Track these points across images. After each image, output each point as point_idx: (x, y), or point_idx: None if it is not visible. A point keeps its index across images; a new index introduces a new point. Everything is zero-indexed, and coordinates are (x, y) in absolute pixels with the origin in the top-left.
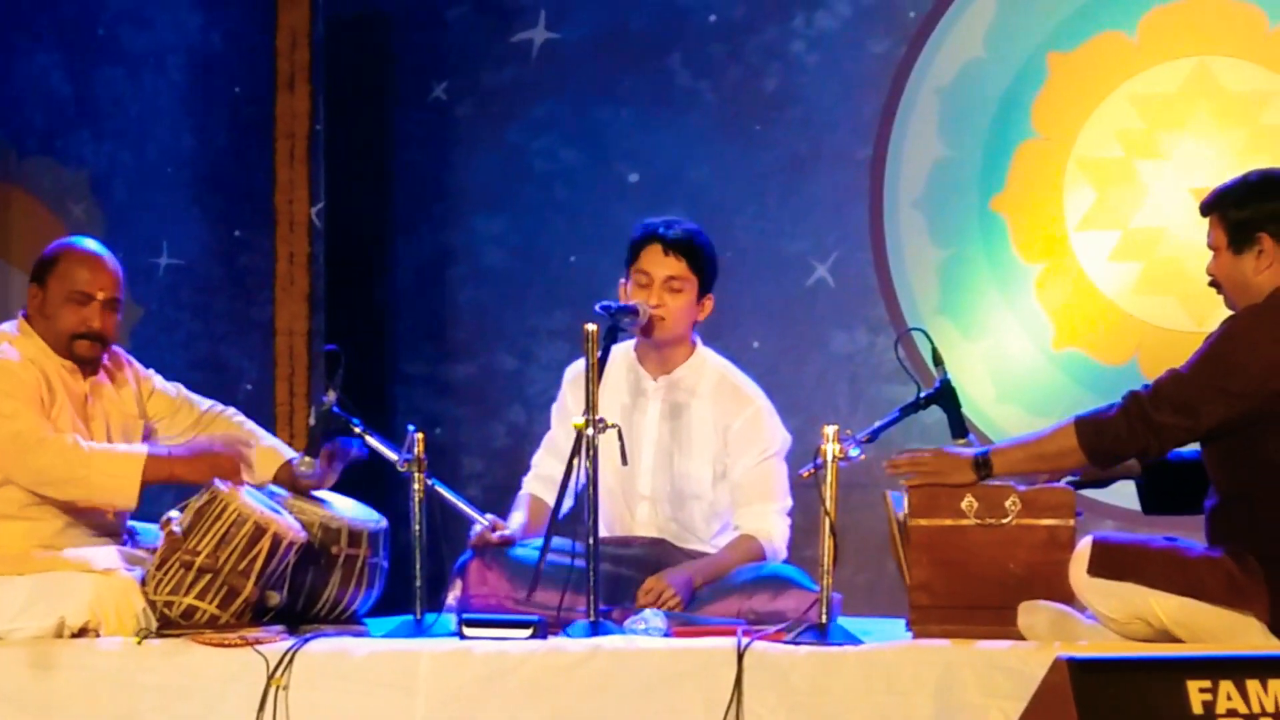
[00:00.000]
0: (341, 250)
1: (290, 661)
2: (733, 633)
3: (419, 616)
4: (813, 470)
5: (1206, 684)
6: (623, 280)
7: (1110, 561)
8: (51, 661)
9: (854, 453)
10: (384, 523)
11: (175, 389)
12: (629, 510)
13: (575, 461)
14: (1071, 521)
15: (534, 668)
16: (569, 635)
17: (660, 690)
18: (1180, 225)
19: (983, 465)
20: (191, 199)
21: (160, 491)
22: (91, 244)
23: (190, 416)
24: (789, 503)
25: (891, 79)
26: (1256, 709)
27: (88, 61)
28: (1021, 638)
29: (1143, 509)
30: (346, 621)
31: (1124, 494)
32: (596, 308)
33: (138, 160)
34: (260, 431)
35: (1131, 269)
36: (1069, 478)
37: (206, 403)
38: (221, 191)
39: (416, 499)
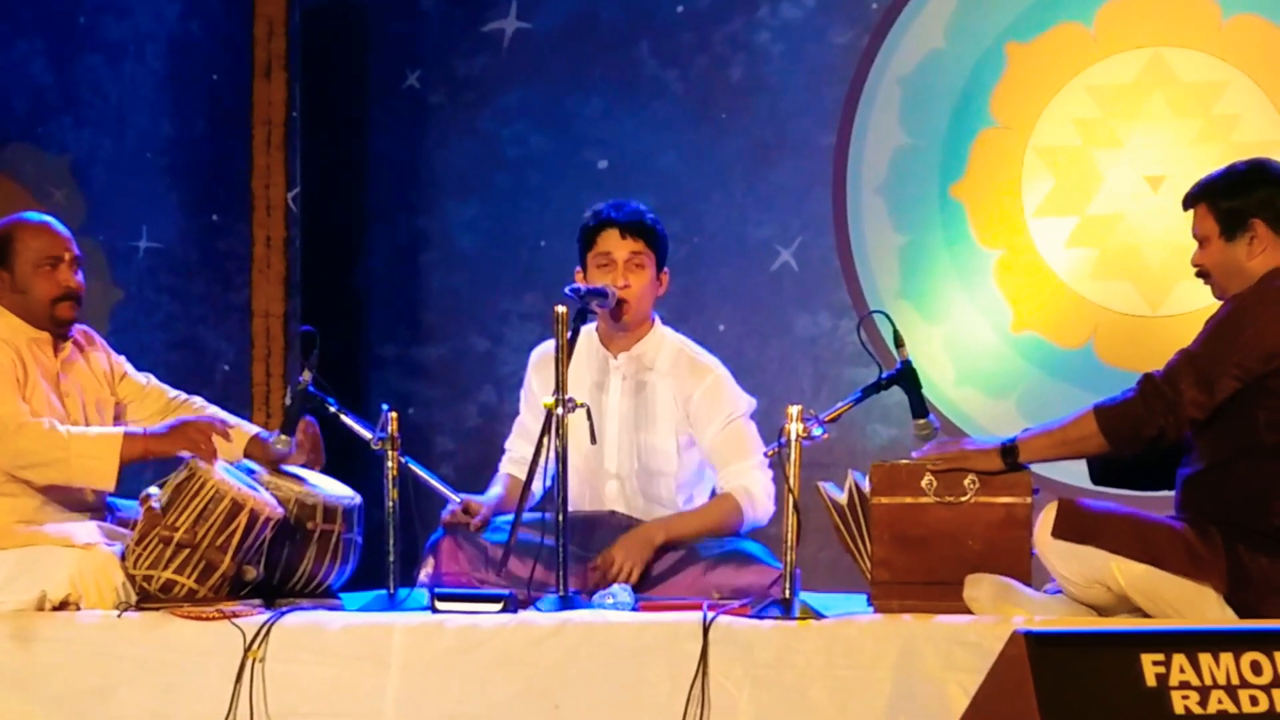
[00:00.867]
0: (317, 234)
1: (267, 634)
2: (698, 607)
3: (392, 591)
4: (777, 449)
5: (1160, 657)
6: (578, 268)
7: (1074, 524)
8: (33, 634)
9: (817, 432)
10: (358, 499)
11: (145, 378)
12: (598, 488)
13: (545, 440)
14: (1028, 500)
15: (504, 641)
16: (539, 609)
17: (628, 663)
18: (1135, 212)
19: (1009, 453)
20: (170, 184)
21: (140, 468)
22: (35, 214)
23: (159, 401)
24: (765, 458)
25: (854, 69)
26: (1209, 681)
27: (69, 49)
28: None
29: (1092, 480)
30: (322, 596)
31: (1078, 473)
32: (566, 291)
33: (118, 146)
34: (224, 414)
35: (1088, 254)
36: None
37: (173, 391)
38: (200, 177)
39: (390, 476)
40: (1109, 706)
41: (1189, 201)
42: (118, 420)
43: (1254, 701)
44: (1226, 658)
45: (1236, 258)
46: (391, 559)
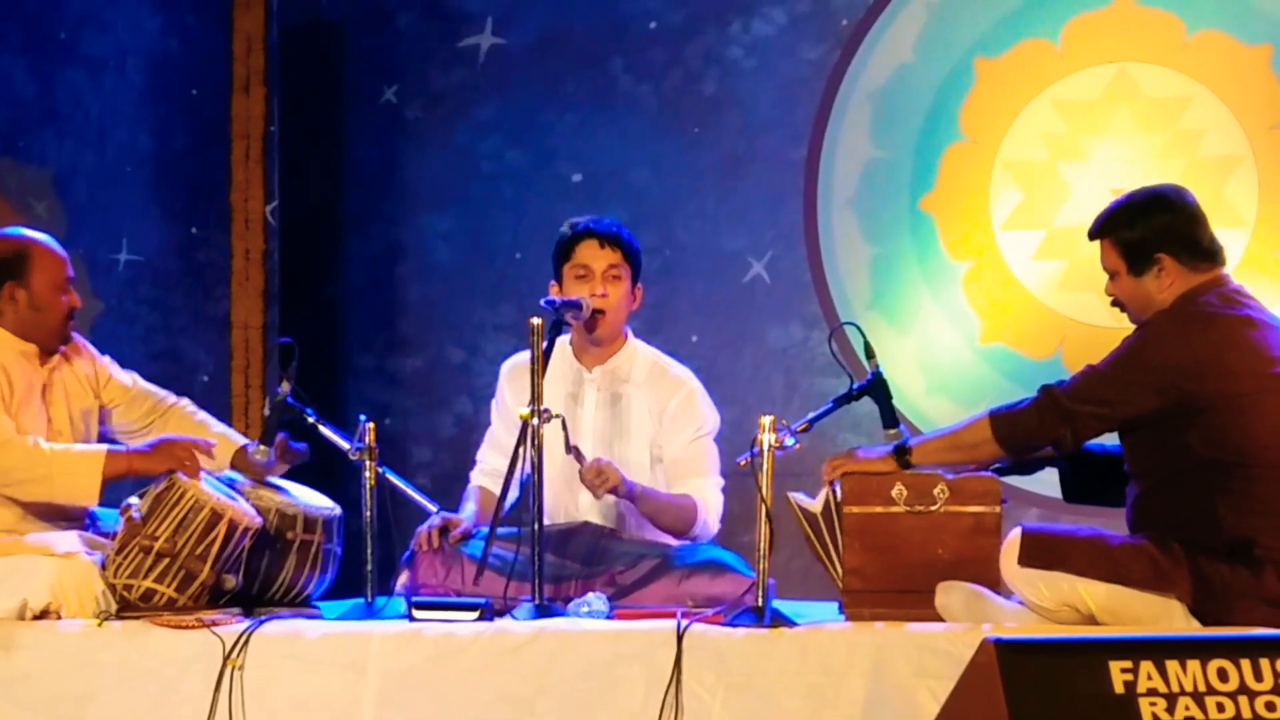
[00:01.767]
0: (295, 247)
1: (246, 643)
2: (672, 615)
3: (370, 600)
4: (749, 459)
5: (1128, 664)
6: (552, 282)
7: (1039, 551)
8: (13, 642)
9: (789, 442)
10: (338, 510)
11: (131, 378)
12: (573, 499)
13: (520, 451)
14: (997, 509)
15: (481, 649)
16: (515, 618)
17: (603, 670)
18: None
19: (902, 453)
20: (150, 197)
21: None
22: (41, 234)
23: (145, 404)
24: (722, 480)
25: (825, 83)
26: (1175, 688)
27: (50, 64)
28: None
29: (1064, 497)
30: (300, 604)
31: (1047, 482)
32: (541, 303)
33: (98, 159)
34: (211, 420)
35: (1055, 267)
36: (996, 465)
37: (161, 392)
38: (179, 190)
39: (368, 487)
40: (1078, 713)
41: (1092, 234)
42: (104, 425)
43: (1220, 708)
44: (1194, 665)
45: (1147, 291)
46: (369, 568)
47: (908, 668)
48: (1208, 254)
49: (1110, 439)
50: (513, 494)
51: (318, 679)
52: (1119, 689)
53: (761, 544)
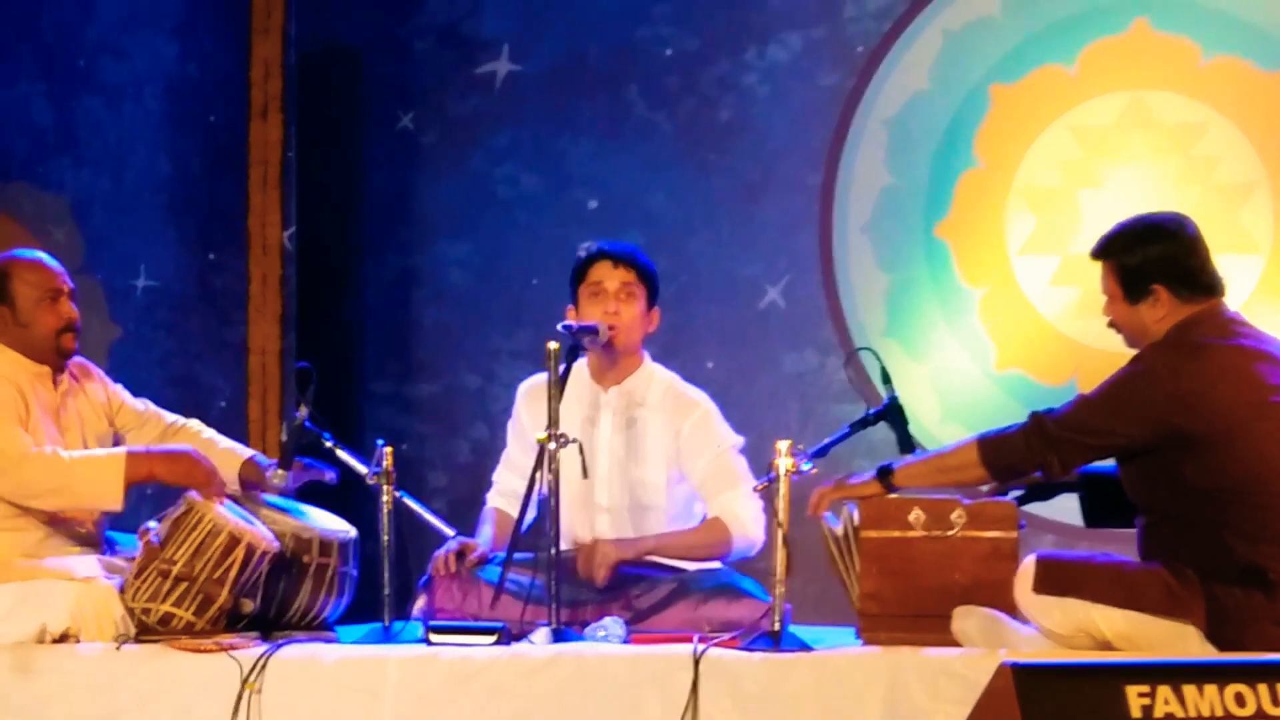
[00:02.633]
0: (312, 272)
1: (263, 666)
2: (689, 639)
3: (387, 624)
4: (766, 484)
5: (1145, 689)
6: (569, 306)
7: (1054, 579)
8: (33, 666)
9: (806, 466)
10: (354, 533)
11: (143, 404)
12: (589, 521)
13: (537, 475)
14: (1014, 534)
15: (498, 673)
16: (531, 642)
17: (620, 694)
18: None
19: (885, 475)
20: (168, 223)
21: (138, 503)
22: (26, 250)
23: (157, 428)
24: (756, 482)
25: (840, 110)
26: (1193, 713)
27: (68, 91)
28: None
29: (1085, 521)
30: (317, 628)
31: (1063, 509)
32: (559, 327)
33: (116, 186)
34: (218, 436)
35: (1071, 293)
36: (1014, 492)
37: (171, 416)
38: (197, 216)
39: (385, 511)
40: None
41: (1094, 254)
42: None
43: None
44: (1210, 689)
45: (1142, 319)
46: (386, 592)
47: (924, 692)
48: (1205, 286)
49: None
50: (529, 515)
51: (335, 703)
52: (1136, 713)
53: (778, 569)
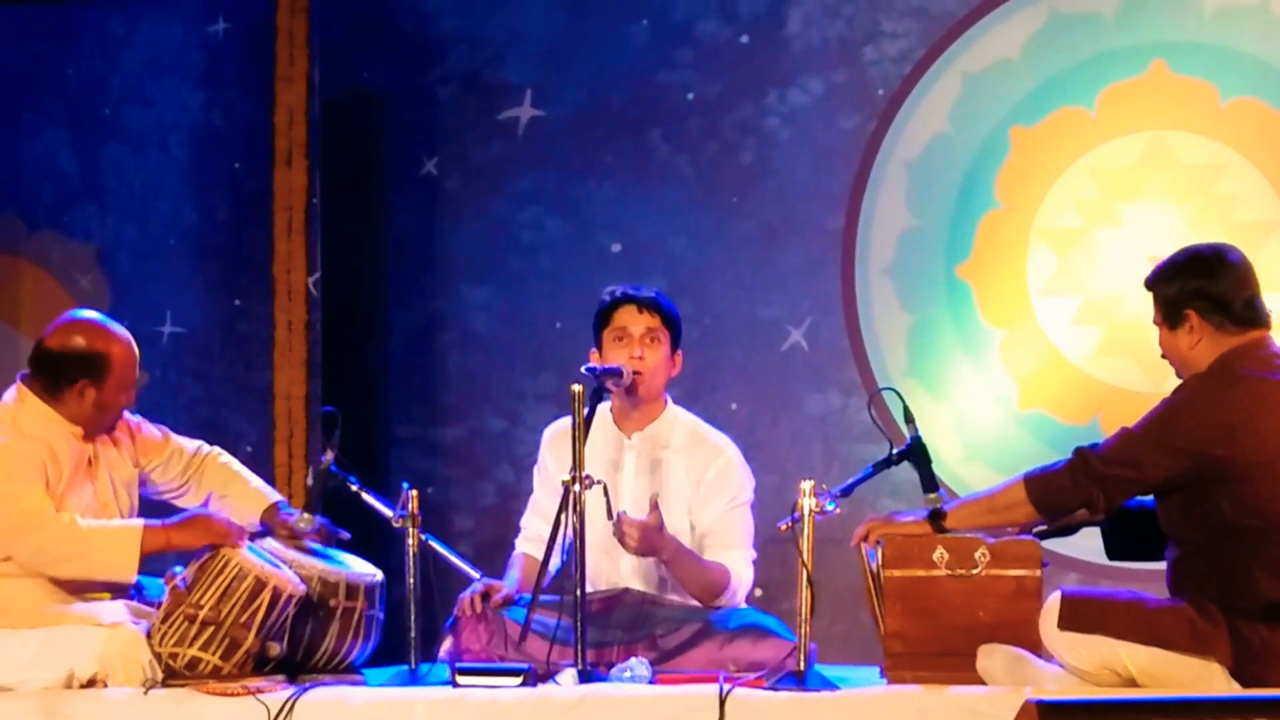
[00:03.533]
0: (337, 318)
1: (290, 710)
2: (714, 680)
3: (413, 666)
4: (790, 524)
5: None
6: (593, 349)
7: (1079, 615)
8: (61, 712)
9: (830, 507)
10: (380, 576)
11: (161, 432)
12: (614, 565)
13: (563, 517)
14: (1038, 572)
15: (524, 714)
16: (558, 683)
17: None
18: (1138, 291)
19: (937, 518)
20: (194, 270)
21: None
22: (121, 329)
23: (181, 460)
24: (754, 553)
25: (861, 153)
26: None
27: (94, 139)
28: None
29: (1107, 555)
30: (344, 671)
31: (1087, 547)
32: (583, 370)
33: (142, 233)
34: (248, 474)
35: (1093, 333)
36: (1039, 528)
37: (194, 444)
38: (222, 262)
39: (411, 554)
40: None
41: (1146, 284)
42: (144, 487)
43: None
44: None
45: (1179, 346)
46: (413, 634)
47: None
48: (1243, 317)
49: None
50: (555, 561)
51: None
52: None
53: (803, 608)
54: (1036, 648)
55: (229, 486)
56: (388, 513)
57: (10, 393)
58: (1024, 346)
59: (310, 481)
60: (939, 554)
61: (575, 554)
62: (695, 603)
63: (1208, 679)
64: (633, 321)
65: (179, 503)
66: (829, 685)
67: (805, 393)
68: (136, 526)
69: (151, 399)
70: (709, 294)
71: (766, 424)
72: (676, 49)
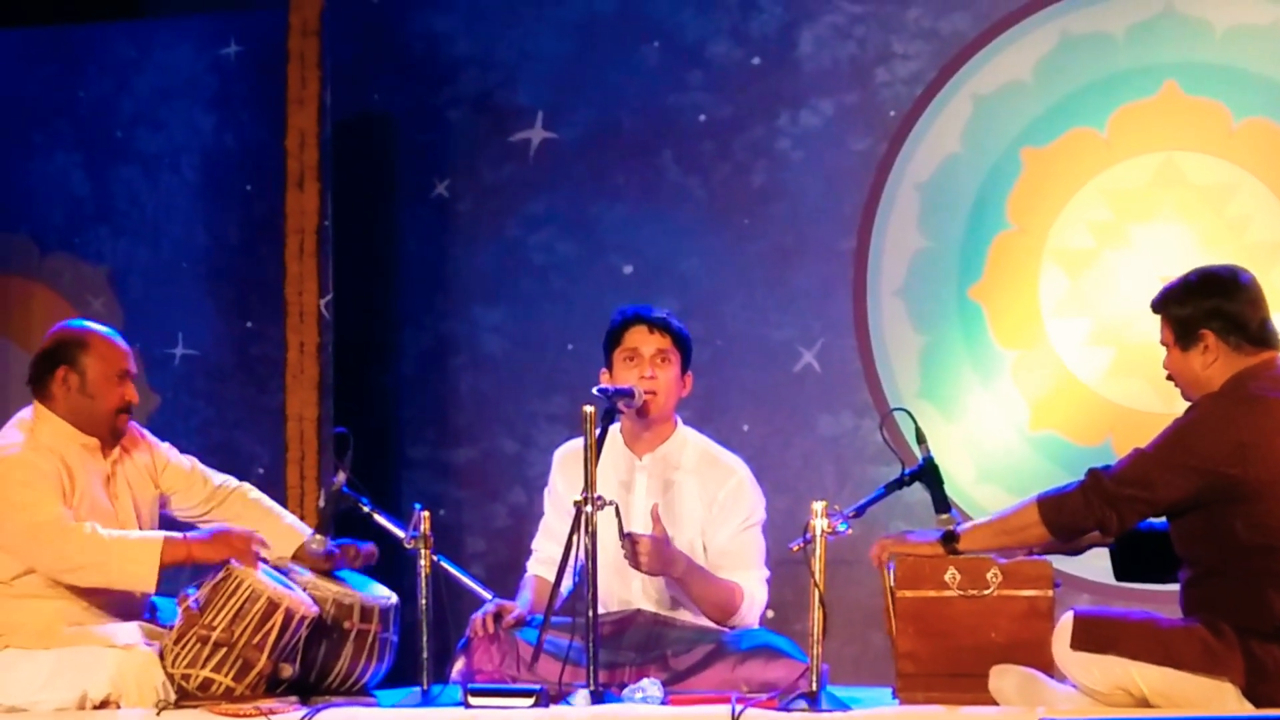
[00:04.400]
0: (349, 340)
1: None
2: (727, 700)
3: (426, 687)
4: (802, 545)
5: None
6: (604, 370)
7: (1092, 635)
8: None
9: (841, 527)
10: (395, 599)
11: (190, 462)
12: (626, 586)
13: (575, 538)
14: (1050, 592)
15: None
16: (570, 703)
17: None
18: (1150, 312)
19: (950, 540)
20: (205, 292)
21: (179, 569)
22: (103, 326)
23: (205, 490)
24: (767, 572)
25: (873, 174)
26: None
27: (105, 162)
28: None
29: (1115, 576)
30: (357, 693)
31: (1099, 568)
32: (594, 391)
33: (154, 256)
34: (279, 509)
35: (1105, 354)
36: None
37: (220, 477)
38: (234, 285)
39: (423, 575)
40: None
41: (1153, 306)
42: (164, 510)
43: None
44: None
45: (1192, 367)
46: (425, 656)
47: None
48: (1258, 337)
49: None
50: (567, 583)
51: None
52: None
53: (815, 629)
54: (1049, 668)
55: (260, 523)
56: (400, 534)
57: (27, 411)
58: (1036, 367)
59: (322, 503)
60: (951, 575)
61: (587, 575)
62: (707, 623)
63: (1220, 699)
64: (643, 342)
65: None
66: (841, 706)
67: (817, 414)
68: (157, 538)
69: (163, 420)
70: (721, 315)
71: (778, 445)
72: (688, 71)
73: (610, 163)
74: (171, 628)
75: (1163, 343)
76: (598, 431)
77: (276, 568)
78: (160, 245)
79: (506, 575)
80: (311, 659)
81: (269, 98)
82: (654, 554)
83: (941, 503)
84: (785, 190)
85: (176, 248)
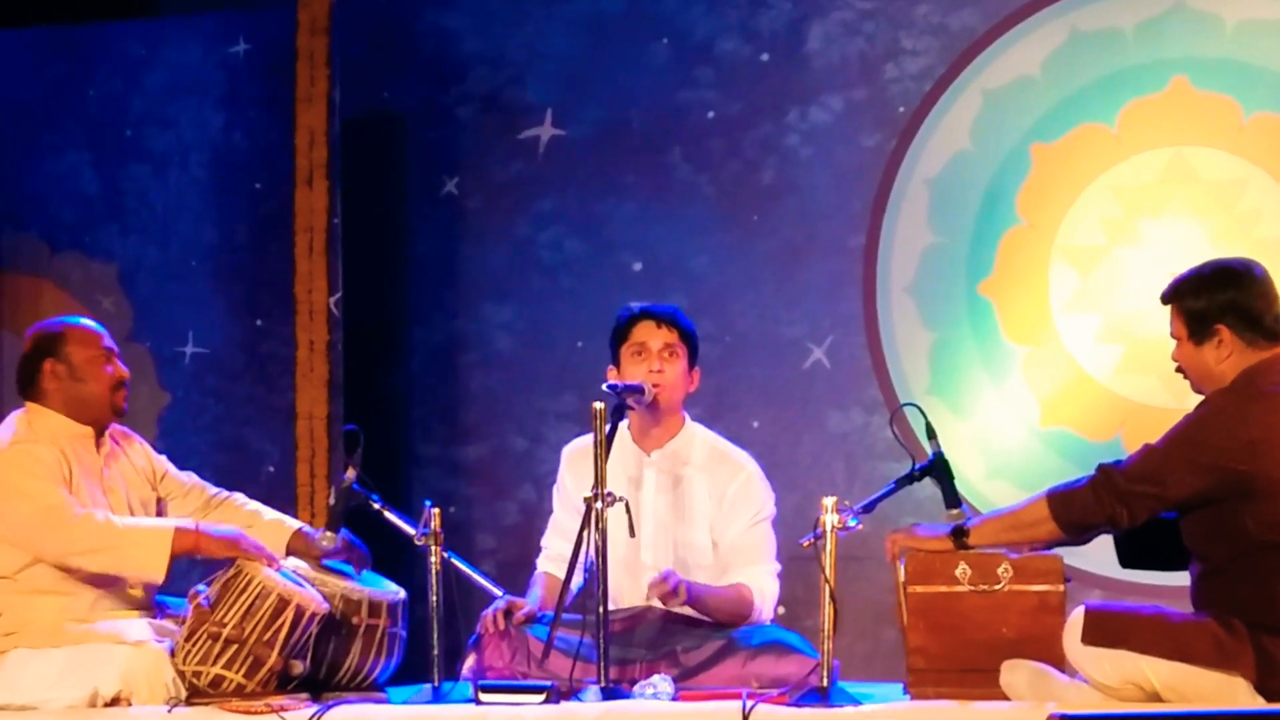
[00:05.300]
0: (359, 337)
1: None
2: (738, 696)
3: (437, 684)
4: (812, 540)
5: None
6: (611, 366)
7: (1103, 630)
8: None
9: (852, 523)
10: (403, 594)
11: (188, 476)
12: (636, 582)
13: (585, 534)
14: (1061, 587)
15: None
16: (581, 700)
17: None
18: (1160, 308)
19: (960, 534)
20: (215, 290)
21: (188, 566)
22: (74, 317)
23: (200, 499)
24: (778, 566)
25: (882, 171)
26: None
27: (115, 160)
28: None
29: (1120, 563)
30: (367, 689)
31: (1110, 563)
32: (604, 387)
33: (163, 254)
34: (263, 509)
35: (1115, 350)
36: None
37: (214, 489)
38: (244, 283)
39: (433, 572)
40: None
41: (1163, 298)
42: (159, 515)
43: None
44: None
45: (1205, 361)
46: (436, 652)
47: None
48: (1272, 331)
49: None
50: (577, 579)
51: None
52: None
53: (826, 625)
54: (1060, 663)
55: (248, 522)
56: (410, 531)
57: (17, 413)
58: (1046, 363)
59: (333, 501)
60: (961, 570)
61: (597, 571)
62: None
63: (1232, 693)
64: (650, 336)
65: None
66: (852, 701)
67: (827, 410)
68: (169, 526)
69: (174, 419)
70: (730, 312)
71: (788, 442)
72: (697, 68)
73: (619, 160)
74: (181, 624)
75: (1174, 335)
76: (607, 428)
77: (285, 562)
78: (170, 243)
79: (517, 572)
80: (321, 655)
81: (278, 96)
82: (669, 596)
83: (952, 498)
84: (794, 187)
85: (186, 246)
